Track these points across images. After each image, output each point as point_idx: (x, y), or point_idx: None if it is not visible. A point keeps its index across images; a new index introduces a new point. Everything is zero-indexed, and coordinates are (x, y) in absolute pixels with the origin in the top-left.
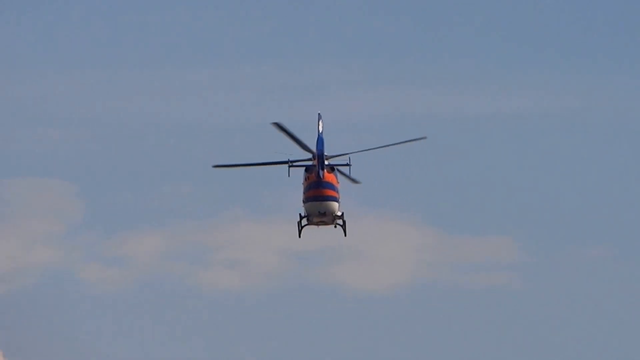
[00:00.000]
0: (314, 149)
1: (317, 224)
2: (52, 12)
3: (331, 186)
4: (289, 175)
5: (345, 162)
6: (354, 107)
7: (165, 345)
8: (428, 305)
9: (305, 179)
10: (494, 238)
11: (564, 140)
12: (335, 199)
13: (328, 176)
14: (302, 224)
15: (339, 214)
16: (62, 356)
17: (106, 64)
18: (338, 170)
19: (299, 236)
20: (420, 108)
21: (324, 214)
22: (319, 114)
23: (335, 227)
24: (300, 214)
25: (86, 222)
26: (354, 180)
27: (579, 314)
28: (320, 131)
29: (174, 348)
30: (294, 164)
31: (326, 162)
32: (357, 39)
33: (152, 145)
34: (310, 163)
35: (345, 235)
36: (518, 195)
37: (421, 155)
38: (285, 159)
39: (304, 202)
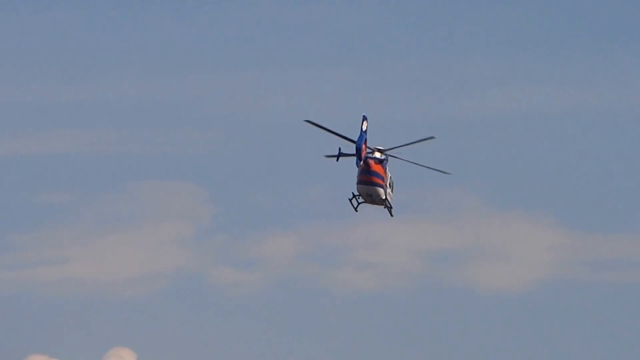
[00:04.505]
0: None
1: (370, 202)
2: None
3: (378, 174)
4: (337, 160)
5: (383, 157)
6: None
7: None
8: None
9: (359, 166)
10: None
11: None
12: (381, 186)
13: (375, 166)
14: (359, 201)
15: (383, 197)
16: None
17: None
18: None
19: (356, 210)
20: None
21: (370, 196)
22: (364, 115)
23: (384, 207)
24: (352, 192)
25: (216, 225)
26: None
27: None
28: (364, 129)
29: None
30: (343, 153)
31: (375, 155)
32: None
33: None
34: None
35: (391, 215)
36: None
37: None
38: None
39: (356, 183)
